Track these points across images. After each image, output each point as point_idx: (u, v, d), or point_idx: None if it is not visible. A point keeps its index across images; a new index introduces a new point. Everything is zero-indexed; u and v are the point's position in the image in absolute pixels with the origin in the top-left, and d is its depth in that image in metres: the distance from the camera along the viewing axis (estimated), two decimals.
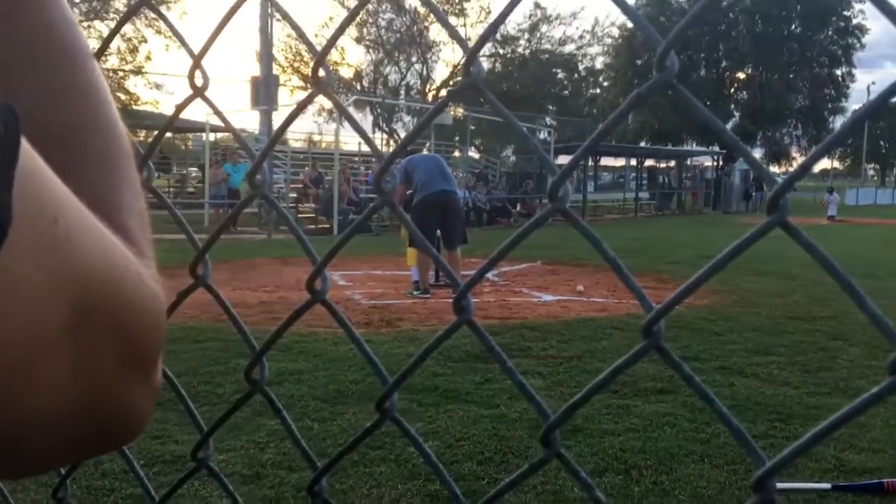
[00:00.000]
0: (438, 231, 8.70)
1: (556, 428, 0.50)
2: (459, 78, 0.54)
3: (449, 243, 8.74)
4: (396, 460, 3.64)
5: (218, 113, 0.71)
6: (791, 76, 44.00)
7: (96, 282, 0.35)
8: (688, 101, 0.45)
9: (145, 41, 27.50)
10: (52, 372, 0.34)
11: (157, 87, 29.37)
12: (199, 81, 0.68)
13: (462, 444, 3.91)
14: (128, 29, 25.23)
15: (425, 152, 9.71)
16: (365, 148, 23.62)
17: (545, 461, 0.51)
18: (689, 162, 37.52)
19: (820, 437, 0.40)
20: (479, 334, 0.54)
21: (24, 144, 0.31)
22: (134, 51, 27.32)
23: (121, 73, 26.81)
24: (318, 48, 0.62)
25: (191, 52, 0.68)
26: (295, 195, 19.61)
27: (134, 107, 26.39)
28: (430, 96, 41.96)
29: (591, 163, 31.58)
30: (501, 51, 44.34)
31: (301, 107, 0.66)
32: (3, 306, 0.30)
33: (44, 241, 0.32)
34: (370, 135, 0.71)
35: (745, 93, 45.08)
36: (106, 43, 0.68)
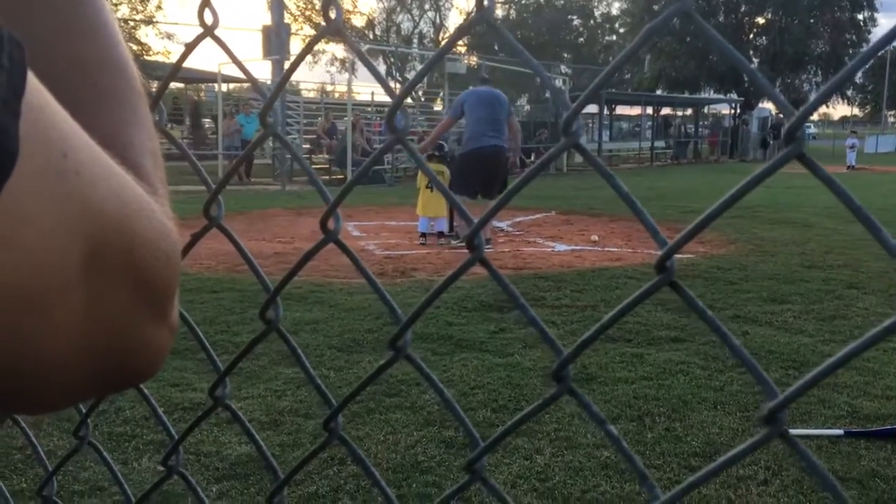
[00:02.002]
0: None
1: (568, 363, 0.51)
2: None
3: (490, 194, 8.28)
4: (412, 408, 3.69)
5: (229, 53, 0.71)
6: (812, 21, 43.02)
7: (108, 217, 0.35)
8: (703, 29, 0.44)
9: None
10: (67, 308, 0.34)
11: (169, 36, 29.21)
12: (208, 20, 0.68)
13: (476, 392, 3.95)
14: None
15: (482, 87, 8.55)
16: (378, 98, 23.38)
17: (557, 396, 0.52)
18: (706, 110, 37.04)
19: (830, 370, 0.40)
20: (492, 271, 0.54)
21: (32, 78, 0.31)
22: (144, 0, 27.09)
23: (132, 23, 26.59)
24: None
25: None
26: (308, 146, 19.53)
27: (146, 57, 26.23)
28: (443, 45, 41.55)
29: (606, 111, 31.23)
30: None
31: (310, 45, 0.65)
32: (15, 240, 0.30)
33: (53, 175, 0.32)
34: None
35: (764, 38, 44.17)
36: None
